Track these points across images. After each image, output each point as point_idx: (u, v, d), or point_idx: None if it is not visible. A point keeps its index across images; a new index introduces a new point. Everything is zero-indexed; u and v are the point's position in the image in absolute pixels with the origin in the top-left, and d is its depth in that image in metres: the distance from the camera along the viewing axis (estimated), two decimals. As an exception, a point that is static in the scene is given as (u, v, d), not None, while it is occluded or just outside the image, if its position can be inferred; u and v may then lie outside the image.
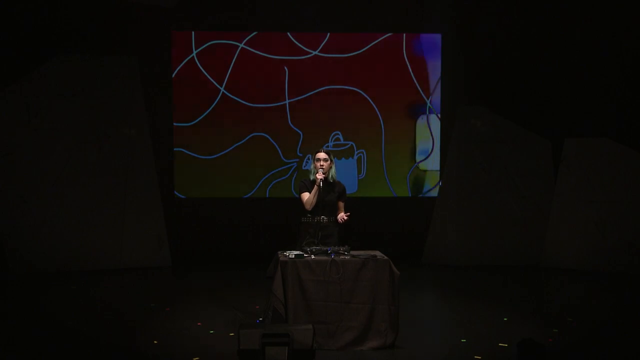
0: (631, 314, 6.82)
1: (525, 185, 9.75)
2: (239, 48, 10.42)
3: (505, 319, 6.48)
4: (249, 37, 10.42)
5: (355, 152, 10.60)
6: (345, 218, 5.85)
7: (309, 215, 5.89)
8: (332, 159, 5.94)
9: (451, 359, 5.36)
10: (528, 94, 10.25)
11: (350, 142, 10.59)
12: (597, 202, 9.27)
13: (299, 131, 10.52)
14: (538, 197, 9.72)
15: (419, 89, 10.65)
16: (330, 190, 5.92)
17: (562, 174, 9.50)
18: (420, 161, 10.74)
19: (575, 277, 8.83)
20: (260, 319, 6.00)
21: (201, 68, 10.36)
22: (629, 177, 9.22)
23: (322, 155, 5.88)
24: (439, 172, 10.67)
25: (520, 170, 9.77)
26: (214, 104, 10.43)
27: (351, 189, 10.13)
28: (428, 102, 10.67)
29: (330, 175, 5.90)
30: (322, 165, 5.85)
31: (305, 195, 5.88)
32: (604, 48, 9.91)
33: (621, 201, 9.19)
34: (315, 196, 5.81)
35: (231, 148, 10.47)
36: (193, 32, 10.34)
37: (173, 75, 10.33)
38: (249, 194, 10.54)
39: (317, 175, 5.80)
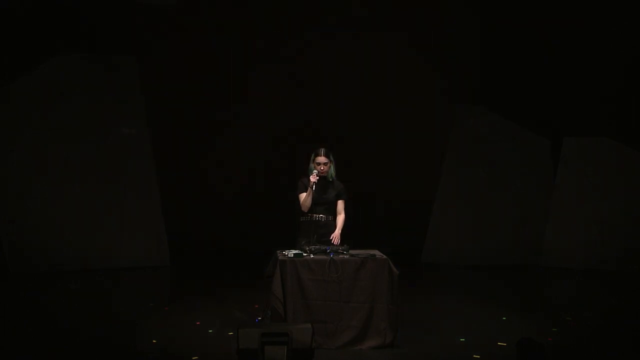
0: (631, 313, 6.82)
1: (525, 185, 9.75)
2: (239, 47, 10.40)
3: (504, 318, 6.48)
4: (249, 36, 10.40)
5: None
6: (336, 242, 5.80)
7: (308, 214, 5.89)
8: (332, 158, 5.92)
9: (450, 358, 5.36)
10: (527, 93, 10.24)
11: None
12: (596, 201, 9.28)
13: (300, 130, 10.50)
14: (537, 197, 9.72)
15: (418, 88, 10.63)
16: (329, 189, 5.91)
17: (561, 173, 9.50)
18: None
19: (575, 277, 8.83)
20: (260, 318, 6.01)
21: (200, 67, 10.34)
22: (628, 176, 9.23)
23: (322, 159, 5.84)
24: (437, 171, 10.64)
25: (520, 169, 9.77)
26: (214, 103, 10.41)
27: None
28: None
29: (329, 174, 5.90)
30: (322, 169, 5.83)
31: (302, 196, 5.87)
32: (603, 46, 9.91)
33: (620, 200, 9.20)
34: (309, 198, 5.80)
35: (231, 147, 10.46)
36: (192, 32, 10.33)
37: (172, 75, 10.31)
38: (249, 193, 10.52)
39: (310, 177, 5.78)
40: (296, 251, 5.50)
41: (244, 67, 10.46)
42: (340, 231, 5.86)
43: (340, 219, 5.93)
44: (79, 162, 8.98)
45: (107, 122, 9.17)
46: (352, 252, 5.57)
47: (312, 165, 5.89)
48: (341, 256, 5.47)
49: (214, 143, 10.68)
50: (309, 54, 10.47)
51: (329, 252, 5.49)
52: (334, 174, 5.94)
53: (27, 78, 8.90)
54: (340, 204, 5.95)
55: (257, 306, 6.62)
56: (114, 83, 9.25)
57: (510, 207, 9.71)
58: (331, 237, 5.77)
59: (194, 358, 5.15)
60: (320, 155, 5.85)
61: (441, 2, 10.36)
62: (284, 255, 5.48)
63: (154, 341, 5.62)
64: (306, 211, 5.86)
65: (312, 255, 5.46)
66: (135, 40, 9.72)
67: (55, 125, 8.91)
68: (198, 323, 6.20)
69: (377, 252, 5.64)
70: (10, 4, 9.20)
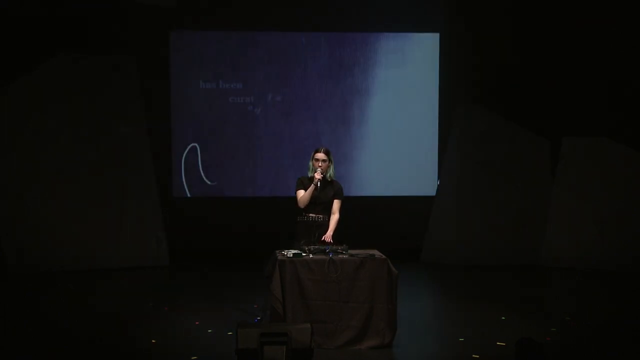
0: (630, 313, 6.82)
1: (524, 184, 9.74)
2: (239, 47, 10.40)
3: (503, 318, 6.48)
4: (249, 36, 10.40)
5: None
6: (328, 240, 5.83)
7: (304, 214, 5.89)
8: (331, 158, 5.93)
9: (449, 357, 5.37)
10: (526, 92, 10.23)
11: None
12: (596, 201, 9.27)
13: (300, 130, 10.49)
14: (536, 196, 9.71)
15: (418, 87, 10.62)
16: (327, 189, 5.91)
17: (560, 172, 9.50)
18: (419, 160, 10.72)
19: (574, 276, 8.83)
20: (259, 318, 6.01)
21: (200, 67, 10.34)
22: (627, 176, 9.22)
23: (321, 155, 5.87)
24: (437, 171, 10.64)
25: (519, 169, 9.76)
26: (213, 103, 10.41)
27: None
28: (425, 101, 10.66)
29: (328, 174, 5.90)
30: (321, 166, 5.84)
31: (301, 193, 5.88)
32: (603, 46, 9.90)
33: (619, 200, 9.20)
34: (309, 195, 5.81)
35: (230, 146, 10.46)
36: (192, 32, 10.33)
37: (171, 75, 10.31)
38: (248, 193, 10.52)
39: (315, 174, 5.79)
40: (295, 251, 5.51)
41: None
42: (332, 232, 5.85)
43: (334, 219, 5.93)
44: (78, 162, 8.97)
45: (107, 122, 9.16)
46: (351, 252, 5.57)
47: (311, 162, 5.90)
48: (340, 256, 5.48)
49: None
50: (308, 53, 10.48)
51: (328, 252, 5.49)
52: (333, 174, 5.95)
53: (27, 78, 8.89)
54: (336, 204, 5.95)
55: (256, 306, 6.63)
56: (114, 83, 9.25)
57: (510, 207, 9.69)
58: (323, 238, 5.77)
59: (193, 358, 5.15)
60: (320, 152, 5.87)
61: (441, 2, 10.37)
62: (283, 255, 5.48)
63: (153, 341, 5.62)
64: (302, 207, 5.87)
65: (311, 255, 5.46)
66: (135, 40, 9.73)
67: (54, 125, 8.90)
68: (198, 323, 6.21)
69: (376, 252, 5.64)
70: (11, 4, 9.20)
